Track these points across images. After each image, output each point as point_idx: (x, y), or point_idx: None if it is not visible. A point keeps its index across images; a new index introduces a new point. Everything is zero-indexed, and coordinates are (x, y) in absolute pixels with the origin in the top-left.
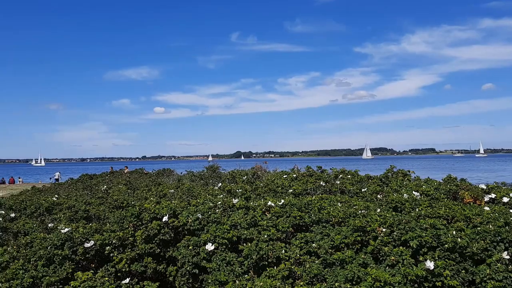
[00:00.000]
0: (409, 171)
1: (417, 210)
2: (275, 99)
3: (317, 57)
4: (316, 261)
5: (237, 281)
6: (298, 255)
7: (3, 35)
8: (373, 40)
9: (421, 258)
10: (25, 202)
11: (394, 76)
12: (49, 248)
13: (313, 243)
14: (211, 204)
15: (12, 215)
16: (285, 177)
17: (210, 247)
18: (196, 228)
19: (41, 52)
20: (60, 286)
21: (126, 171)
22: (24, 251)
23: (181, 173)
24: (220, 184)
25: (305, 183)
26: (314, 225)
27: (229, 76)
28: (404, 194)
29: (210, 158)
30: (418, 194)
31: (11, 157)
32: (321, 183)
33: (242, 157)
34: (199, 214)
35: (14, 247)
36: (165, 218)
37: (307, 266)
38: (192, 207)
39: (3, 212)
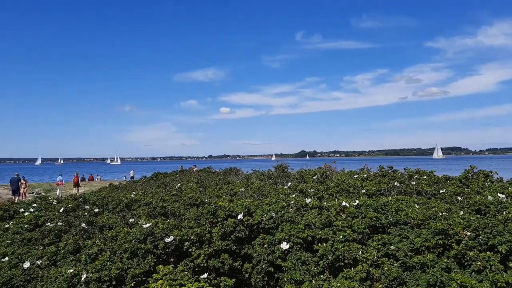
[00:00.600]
0: (491, 172)
1: (504, 213)
2: (340, 98)
3: (385, 53)
4: (395, 264)
5: (313, 280)
6: (375, 257)
7: (85, 46)
8: (446, 34)
9: (510, 265)
10: (107, 198)
11: (469, 71)
12: (132, 242)
13: (391, 245)
14: (283, 203)
15: (96, 210)
16: (356, 177)
17: (285, 246)
18: (271, 226)
19: (118, 58)
20: (144, 278)
21: (194, 169)
22: (110, 244)
23: (247, 172)
24: (289, 183)
25: (377, 183)
26: (391, 227)
27: (293, 75)
28: (488, 196)
29: (273, 158)
30: (504, 196)
31: (90, 156)
32: (395, 183)
33: (307, 157)
34: (272, 213)
35: (101, 240)
36: (240, 216)
37: (386, 268)
38: (266, 206)
39: (88, 207)
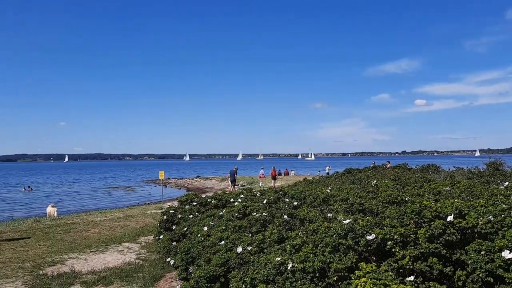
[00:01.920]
0: None
1: None
2: None
3: None
4: None
5: None
6: None
7: (276, 51)
8: None
9: None
10: (304, 192)
11: None
12: (333, 236)
13: None
14: (503, 205)
15: (295, 203)
16: None
17: (507, 254)
18: (488, 231)
19: (306, 57)
20: (346, 273)
21: (388, 166)
22: (311, 237)
23: (449, 169)
24: (506, 183)
25: None
26: None
27: (503, 59)
28: None
29: (477, 153)
30: None
31: (284, 152)
32: None
33: None
34: (490, 216)
35: (303, 232)
36: (449, 218)
37: None
38: (481, 208)
39: (287, 200)
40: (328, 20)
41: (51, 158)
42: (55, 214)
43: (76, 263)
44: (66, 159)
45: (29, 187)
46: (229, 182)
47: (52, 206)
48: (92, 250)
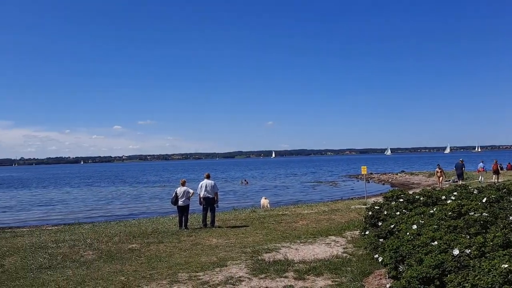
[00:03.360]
0: None
1: None
2: None
3: None
4: None
5: None
6: None
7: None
8: None
9: None
10: None
11: None
12: None
13: None
14: None
15: None
16: None
17: None
18: None
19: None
20: None
21: None
22: None
23: None
24: None
25: None
26: None
27: None
28: None
29: None
30: None
31: (506, 144)
32: None
33: None
34: None
35: None
36: None
37: None
38: None
39: None
40: None
41: (261, 155)
42: (268, 206)
43: (288, 252)
44: (273, 155)
45: (245, 180)
46: (456, 176)
47: (265, 198)
48: (302, 241)
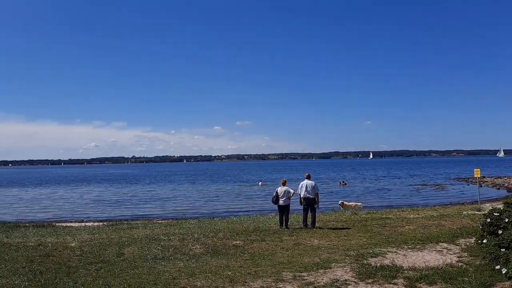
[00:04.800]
0: None
1: None
2: None
3: None
4: None
5: None
6: None
7: None
8: None
9: None
10: None
11: None
12: None
13: None
14: None
15: None
16: None
17: None
18: None
19: None
20: None
21: None
22: None
23: None
24: None
25: None
26: None
27: None
28: None
29: None
30: None
31: None
32: None
33: None
34: None
35: None
36: None
37: None
38: None
39: None
40: None
41: (359, 155)
42: (359, 208)
43: (396, 257)
44: (371, 156)
45: (343, 181)
46: None
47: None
48: (409, 246)
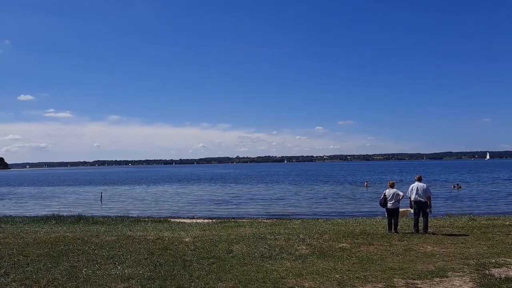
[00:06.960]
0: None
1: None
2: None
3: None
4: None
5: None
6: None
7: None
8: None
9: None
10: None
11: None
12: None
13: None
14: None
15: None
16: None
17: None
18: None
19: None
20: None
21: None
22: None
23: None
24: None
25: None
26: None
27: None
28: None
29: None
30: None
31: None
32: None
33: None
34: None
35: None
36: None
37: None
38: None
39: None
40: None
41: (475, 156)
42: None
43: None
44: (487, 156)
45: (458, 184)
46: None
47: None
48: None
